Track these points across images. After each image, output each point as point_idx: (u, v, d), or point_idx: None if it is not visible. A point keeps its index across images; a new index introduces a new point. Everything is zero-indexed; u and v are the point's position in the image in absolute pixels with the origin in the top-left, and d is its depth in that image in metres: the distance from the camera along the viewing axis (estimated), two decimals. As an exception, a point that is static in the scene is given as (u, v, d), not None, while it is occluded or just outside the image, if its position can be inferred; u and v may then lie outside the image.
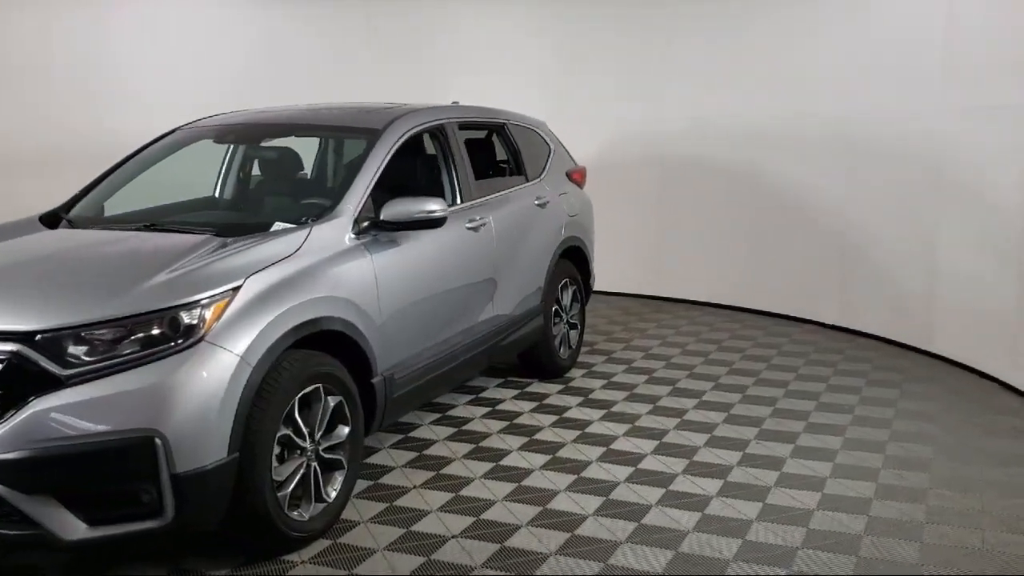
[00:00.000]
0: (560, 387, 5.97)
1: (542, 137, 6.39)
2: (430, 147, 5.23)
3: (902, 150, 6.86)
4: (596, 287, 9.03)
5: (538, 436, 5.04)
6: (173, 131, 5.17)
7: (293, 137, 5.21)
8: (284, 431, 3.55)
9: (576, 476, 4.49)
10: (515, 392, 5.85)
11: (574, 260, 6.35)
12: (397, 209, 4.22)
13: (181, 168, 5.16)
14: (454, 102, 6.06)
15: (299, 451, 3.67)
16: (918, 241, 6.78)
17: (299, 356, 3.64)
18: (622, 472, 4.54)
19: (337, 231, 4.06)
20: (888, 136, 6.98)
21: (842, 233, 7.44)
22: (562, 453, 4.78)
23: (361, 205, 4.22)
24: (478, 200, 5.18)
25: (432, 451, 4.80)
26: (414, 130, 4.83)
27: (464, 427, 5.17)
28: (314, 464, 3.72)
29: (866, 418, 5.38)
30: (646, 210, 8.76)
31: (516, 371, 6.16)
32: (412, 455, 4.73)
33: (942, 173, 6.52)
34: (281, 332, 3.52)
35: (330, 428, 3.83)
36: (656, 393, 5.83)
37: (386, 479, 4.42)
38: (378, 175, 4.39)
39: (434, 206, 4.29)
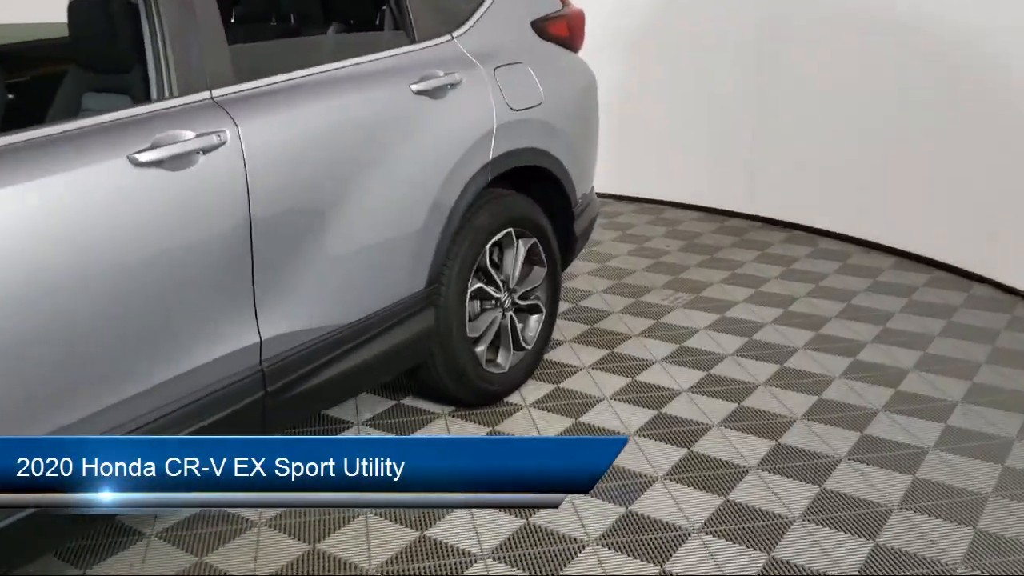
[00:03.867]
0: (482, 431, 3.25)
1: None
2: None
3: None
4: (655, 196, 6.06)
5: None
6: None
7: None
8: None
9: None
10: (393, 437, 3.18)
11: (536, 191, 3.47)
12: None
13: None
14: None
15: None
16: None
17: None
18: None
19: None
20: None
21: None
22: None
23: None
24: (222, 92, 2.38)
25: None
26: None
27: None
28: None
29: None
30: (735, 85, 5.63)
31: (431, 392, 3.44)
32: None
33: None
34: None
35: None
36: (648, 467, 3.01)
37: None
38: None
39: None
